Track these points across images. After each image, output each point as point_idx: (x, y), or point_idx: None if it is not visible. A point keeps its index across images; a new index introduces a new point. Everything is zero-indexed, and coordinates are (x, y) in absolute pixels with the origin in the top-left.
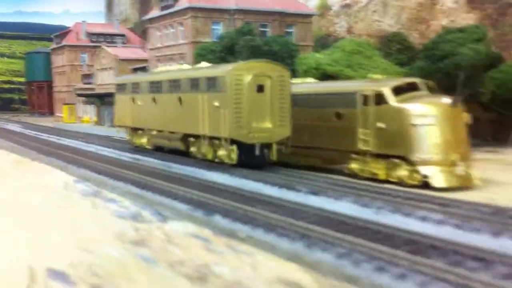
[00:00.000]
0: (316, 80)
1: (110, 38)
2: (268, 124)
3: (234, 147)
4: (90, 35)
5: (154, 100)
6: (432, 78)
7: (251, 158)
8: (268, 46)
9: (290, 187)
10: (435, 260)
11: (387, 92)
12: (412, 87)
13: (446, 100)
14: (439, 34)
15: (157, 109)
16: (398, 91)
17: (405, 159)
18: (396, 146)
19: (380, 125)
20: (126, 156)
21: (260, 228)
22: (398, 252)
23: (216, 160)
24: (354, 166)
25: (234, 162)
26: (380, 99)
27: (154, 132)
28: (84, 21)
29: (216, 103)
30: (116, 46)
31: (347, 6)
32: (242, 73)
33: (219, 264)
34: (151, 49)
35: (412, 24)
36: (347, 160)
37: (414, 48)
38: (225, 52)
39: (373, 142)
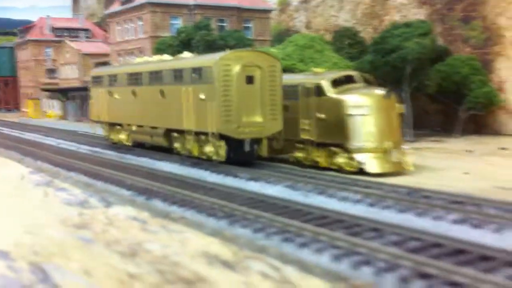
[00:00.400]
0: None
1: (74, 33)
2: (258, 118)
3: (222, 143)
4: (54, 29)
5: (133, 93)
6: (381, 71)
7: (240, 154)
8: (224, 40)
9: (233, 175)
10: (336, 231)
11: (326, 84)
12: (349, 80)
13: (380, 91)
14: (387, 29)
15: (137, 103)
16: (336, 83)
17: (343, 147)
18: (334, 135)
19: (320, 115)
20: (84, 149)
21: (193, 209)
22: (307, 225)
23: (203, 157)
24: (298, 154)
25: (223, 159)
26: (319, 91)
27: (134, 128)
28: (48, 16)
29: (202, 96)
30: (79, 41)
31: (305, 1)
32: (231, 63)
33: (151, 242)
34: (112, 44)
35: (366, 19)
36: (293, 149)
37: (364, 42)
38: (182, 46)
39: (314, 131)
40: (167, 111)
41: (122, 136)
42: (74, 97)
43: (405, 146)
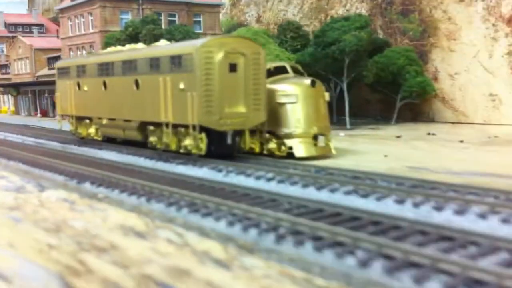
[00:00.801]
0: None
1: (28, 28)
2: (241, 109)
3: (203, 136)
4: (8, 25)
5: (104, 84)
6: (321, 62)
7: (221, 147)
8: (171, 34)
9: (165, 160)
10: (239, 203)
11: None
12: (281, 71)
13: (307, 81)
14: (327, 23)
15: (108, 95)
16: (269, 74)
17: (274, 134)
18: (267, 123)
19: None
20: (29, 141)
21: (117, 189)
22: (214, 198)
23: (181, 150)
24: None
25: (203, 152)
26: None
27: (105, 121)
28: (1, 12)
29: (182, 86)
30: (32, 36)
31: None
32: (213, 49)
33: (76, 219)
34: (63, 38)
35: (313, 13)
36: None
37: (307, 35)
38: (129, 40)
39: None
40: (142, 103)
41: (91, 130)
42: (26, 92)
43: (342, 133)
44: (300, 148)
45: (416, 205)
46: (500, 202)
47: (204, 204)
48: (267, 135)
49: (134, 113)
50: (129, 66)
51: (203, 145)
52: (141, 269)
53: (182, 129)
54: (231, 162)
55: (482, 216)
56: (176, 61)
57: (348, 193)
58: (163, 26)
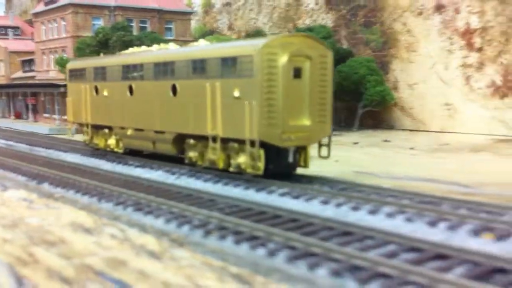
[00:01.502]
0: None
1: (4, 30)
2: (306, 121)
3: (261, 152)
4: None
5: (130, 89)
6: None
7: (280, 166)
8: (140, 41)
9: (124, 163)
10: (180, 203)
11: None
12: None
13: None
14: (292, 34)
15: (135, 102)
16: None
17: None
18: None
19: None
20: (0, 143)
21: (72, 190)
22: (158, 199)
23: (231, 169)
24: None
25: (260, 172)
26: None
27: (129, 132)
28: None
29: (237, 93)
30: (8, 39)
31: (228, 4)
32: (277, 51)
33: (32, 217)
34: (37, 42)
35: (282, 22)
36: None
37: None
38: (100, 46)
39: None
40: (181, 112)
41: (111, 142)
42: (1, 94)
43: None
44: None
45: (338, 205)
46: (411, 203)
47: (148, 204)
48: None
49: (169, 124)
50: (164, 69)
51: (261, 164)
52: (83, 260)
53: (235, 145)
54: (187, 165)
55: (390, 215)
56: (230, 63)
57: (283, 194)
58: (134, 33)
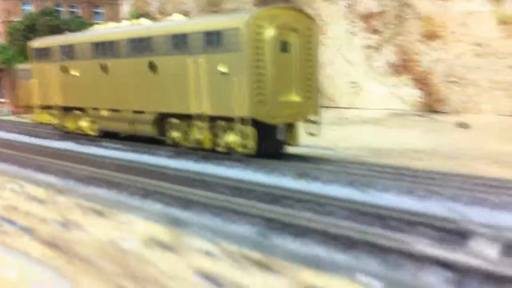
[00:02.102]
0: None
1: None
2: (295, 97)
3: (252, 130)
4: None
5: (103, 68)
6: None
7: (270, 144)
8: (66, 25)
9: (99, 146)
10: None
11: None
12: None
13: None
14: None
15: (110, 81)
16: None
17: None
18: None
19: None
20: None
21: (41, 171)
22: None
23: (219, 149)
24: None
25: (253, 151)
26: None
27: (104, 113)
28: None
29: (223, 69)
30: None
31: None
32: (264, 24)
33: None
34: None
35: (208, 7)
36: None
37: None
38: (27, 30)
39: None
40: (161, 91)
41: (83, 124)
42: None
43: None
44: None
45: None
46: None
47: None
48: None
49: (149, 104)
50: (141, 45)
51: (253, 142)
52: None
53: (223, 123)
54: (147, 143)
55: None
56: (214, 38)
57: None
58: (64, 17)
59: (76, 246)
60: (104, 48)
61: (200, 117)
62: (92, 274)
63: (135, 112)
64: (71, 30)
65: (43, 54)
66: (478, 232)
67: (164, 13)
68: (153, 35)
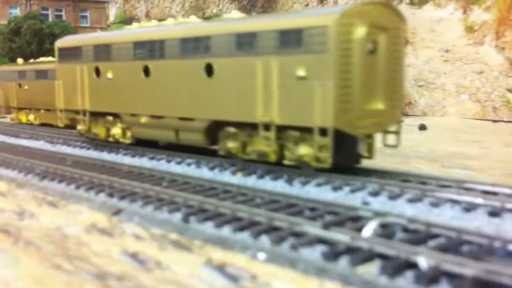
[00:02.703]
0: None
1: None
2: (380, 105)
3: (328, 142)
4: None
5: (145, 70)
6: None
7: (347, 157)
8: (50, 29)
9: (66, 144)
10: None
11: None
12: None
13: None
14: None
15: (153, 84)
16: None
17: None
18: None
19: None
20: None
21: (5, 167)
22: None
23: (286, 161)
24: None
25: (327, 165)
26: None
27: (144, 119)
28: None
29: (301, 73)
30: None
31: None
32: (354, 21)
33: None
34: None
35: (193, 11)
36: None
37: None
38: (12, 34)
39: None
40: (218, 96)
41: (116, 131)
42: None
43: None
44: None
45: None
46: None
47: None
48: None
49: (201, 110)
50: (195, 45)
51: (328, 155)
52: None
53: (296, 133)
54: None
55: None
56: (292, 37)
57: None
58: (50, 20)
59: (24, 232)
60: (147, 49)
61: (266, 126)
62: (32, 254)
63: (182, 119)
64: (55, 34)
65: (71, 54)
66: (367, 217)
67: (150, 16)
68: (212, 34)
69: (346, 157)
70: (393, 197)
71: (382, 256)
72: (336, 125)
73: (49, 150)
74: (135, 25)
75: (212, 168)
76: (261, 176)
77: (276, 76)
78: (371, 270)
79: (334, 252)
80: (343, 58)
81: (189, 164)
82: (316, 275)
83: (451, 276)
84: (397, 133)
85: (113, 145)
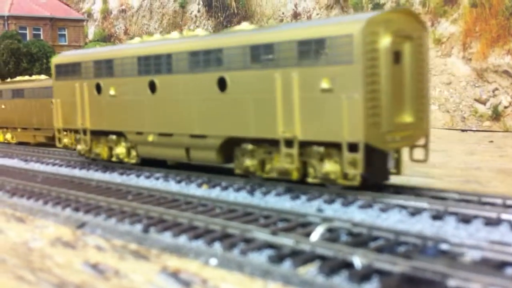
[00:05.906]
0: None
1: None
2: (408, 117)
3: (360, 157)
4: None
5: (151, 86)
6: None
7: (377, 173)
8: (27, 48)
9: (39, 162)
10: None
11: None
12: None
13: None
14: None
15: (160, 101)
16: None
17: None
18: None
19: None
20: None
21: None
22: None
23: (310, 180)
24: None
25: (356, 182)
26: None
27: (151, 138)
28: None
29: (325, 85)
30: None
31: (123, 11)
32: (379, 30)
33: None
34: None
35: (170, 28)
36: None
37: None
38: None
39: None
40: (233, 111)
41: (120, 150)
42: None
43: None
44: None
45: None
46: None
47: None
48: None
49: (215, 127)
50: (206, 58)
51: (357, 171)
52: None
53: (321, 149)
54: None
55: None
56: (313, 48)
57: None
58: (28, 39)
59: None
60: (153, 63)
61: (288, 142)
62: None
63: (193, 136)
64: (32, 53)
65: (69, 70)
66: (317, 223)
67: (129, 34)
68: (225, 47)
69: (375, 174)
70: (345, 204)
71: (322, 258)
72: (366, 139)
73: (21, 167)
74: (136, 39)
75: (179, 182)
76: (225, 188)
77: (298, 89)
78: (311, 270)
79: (279, 256)
80: (370, 68)
81: (157, 178)
82: (261, 277)
83: (382, 274)
84: (425, 147)
85: (86, 162)
